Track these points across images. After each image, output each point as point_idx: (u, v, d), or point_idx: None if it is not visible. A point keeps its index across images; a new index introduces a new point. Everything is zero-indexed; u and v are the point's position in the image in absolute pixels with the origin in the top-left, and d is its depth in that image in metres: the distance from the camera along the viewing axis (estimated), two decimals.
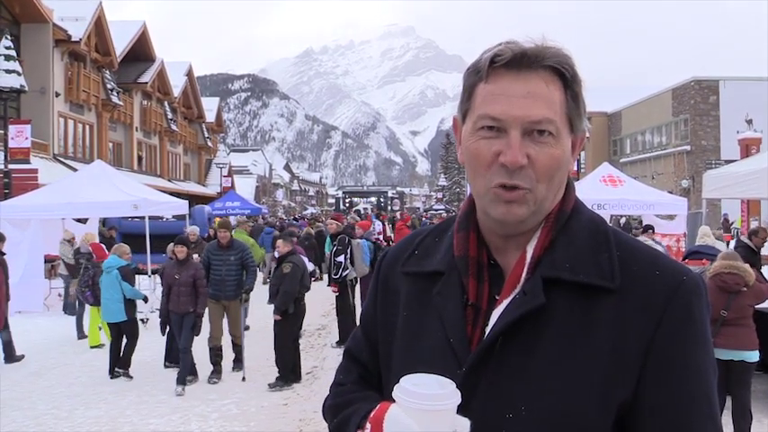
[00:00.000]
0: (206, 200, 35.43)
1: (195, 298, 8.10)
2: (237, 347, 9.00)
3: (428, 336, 1.17)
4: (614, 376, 1.04)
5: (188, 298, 8.03)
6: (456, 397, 1.00)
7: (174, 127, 40.89)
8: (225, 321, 9.07)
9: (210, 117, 49.89)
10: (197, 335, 8.27)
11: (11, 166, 15.98)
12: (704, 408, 1.06)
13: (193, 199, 32.77)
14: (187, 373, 8.19)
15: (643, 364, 1.05)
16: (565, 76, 1.11)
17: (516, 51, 1.10)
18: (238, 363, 8.89)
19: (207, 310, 8.53)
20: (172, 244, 8.69)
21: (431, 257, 1.24)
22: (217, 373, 8.58)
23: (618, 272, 1.09)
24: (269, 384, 8.26)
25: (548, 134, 1.09)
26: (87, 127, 30.65)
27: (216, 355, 8.69)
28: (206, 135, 48.90)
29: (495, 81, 1.11)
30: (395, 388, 1.03)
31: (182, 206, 15.67)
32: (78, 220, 15.52)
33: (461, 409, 1.03)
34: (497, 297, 1.13)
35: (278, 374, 8.35)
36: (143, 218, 14.25)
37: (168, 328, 8.44)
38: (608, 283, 1.08)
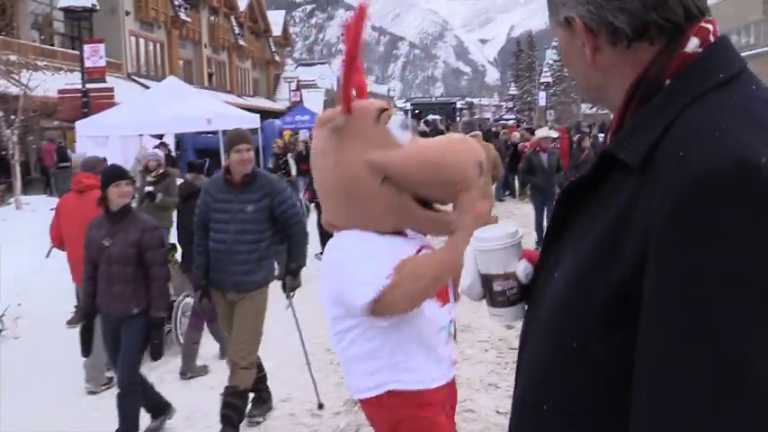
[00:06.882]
0: (275, 114, 35.69)
1: (145, 288, 4.31)
2: (240, 394, 4.35)
3: None
4: (609, 260, 0.94)
5: (127, 287, 4.26)
6: (501, 240, 1.24)
7: (241, 42, 40.90)
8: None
9: (277, 31, 49.54)
10: (154, 359, 4.47)
11: (88, 86, 16.37)
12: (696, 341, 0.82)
13: (263, 114, 33.05)
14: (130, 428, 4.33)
15: (639, 257, 0.89)
16: None
17: None
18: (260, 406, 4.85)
19: (217, 311, 4.77)
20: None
21: None
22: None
23: (646, 149, 0.94)
24: None
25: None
26: (158, 45, 31.01)
27: (237, 397, 4.36)
28: (273, 49, 48.79)
29: None
30: None
31: (254, 120, 15.82)
32: (155, 136, 15.95)
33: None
34: None
35: None
36: (215, 133, 14.48)
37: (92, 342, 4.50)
38: (629, 159, 0.96)
